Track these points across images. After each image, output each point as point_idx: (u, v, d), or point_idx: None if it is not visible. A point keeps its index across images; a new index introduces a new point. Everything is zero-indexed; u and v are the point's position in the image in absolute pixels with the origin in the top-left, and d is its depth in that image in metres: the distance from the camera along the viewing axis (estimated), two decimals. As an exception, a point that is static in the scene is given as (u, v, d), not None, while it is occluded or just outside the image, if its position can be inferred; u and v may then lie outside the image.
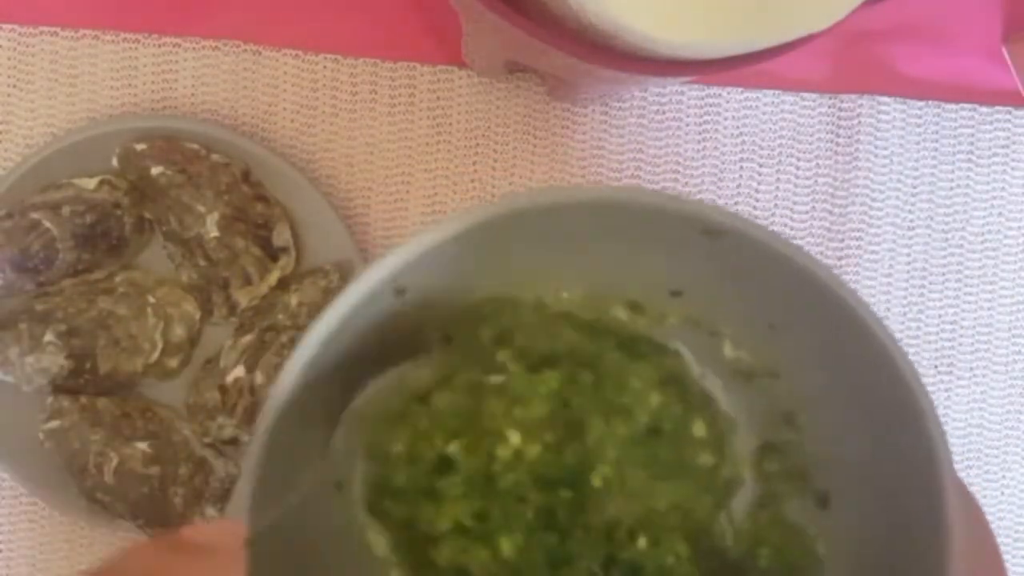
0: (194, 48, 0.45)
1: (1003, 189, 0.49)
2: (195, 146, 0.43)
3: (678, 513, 0.32)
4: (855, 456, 0.28)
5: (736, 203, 0.48)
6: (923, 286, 0.49)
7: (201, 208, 0.43)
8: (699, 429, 0.32)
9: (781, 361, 0.30)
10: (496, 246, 0.28)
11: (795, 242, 0.25)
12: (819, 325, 0.27)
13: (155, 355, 0.44)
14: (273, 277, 0.44)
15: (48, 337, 0.42)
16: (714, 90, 0.47)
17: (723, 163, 0.48)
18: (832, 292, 0.25)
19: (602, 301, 0.32)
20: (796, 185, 0.48)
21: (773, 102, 0.48)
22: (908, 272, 0.49)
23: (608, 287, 0.32)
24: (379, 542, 0.33)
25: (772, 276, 0.26)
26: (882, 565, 0.27)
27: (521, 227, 0.27)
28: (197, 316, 0.44)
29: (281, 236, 0.44)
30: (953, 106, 0.48)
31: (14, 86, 0.45)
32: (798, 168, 0.48)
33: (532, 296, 0.32)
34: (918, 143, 0.48)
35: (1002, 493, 0.49)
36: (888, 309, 0.48)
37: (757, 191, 0.48)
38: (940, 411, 0.48)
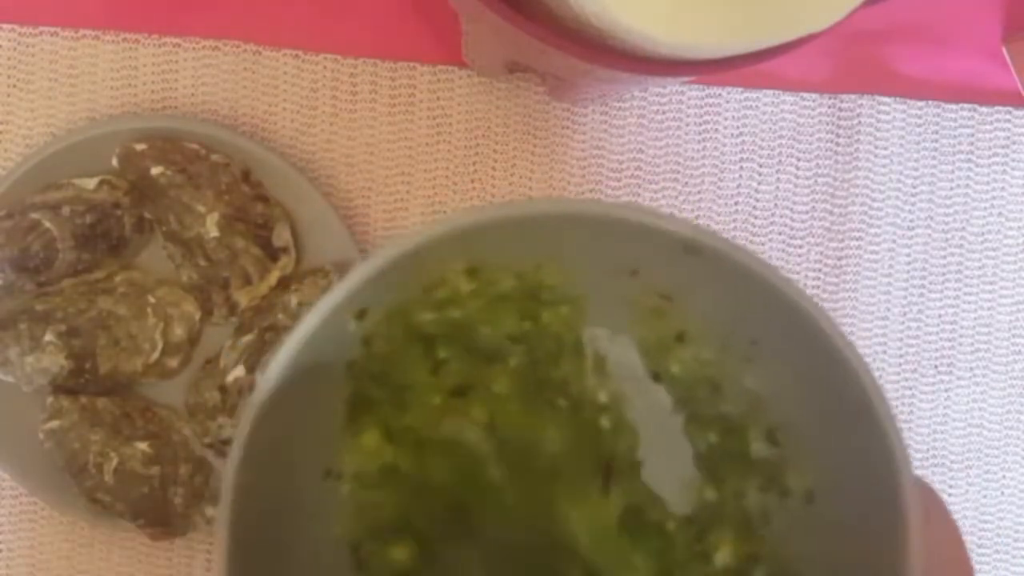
0: (194, 48, 0.45)
1: (1003, 189, 0.49)
2: (195, 146, 0.43)
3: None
4: (825, 460, 0.29)
5: (736, 203, 0.48)
6: (923, 286, 0.49)
7: (201, 208, 0.43)
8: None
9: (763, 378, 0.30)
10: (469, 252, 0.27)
11: (758, 254, 0.26)
12: (789, 339, 0.27)
13: (155, 355, 0.44)
14: (273, 277, 0.44)
15: (48, 337, 0.42)
16: (714, 90, 0.47)
17: (723, 163, 0.48)
18: (786, 296, 0.25)
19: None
20: (796, 185, 0.48)
21: (773, 102, 0.48)
22: (908, 272, 0.49)
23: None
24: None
25: (747, 292, 0.26)
26: (848, 562, 0.28)
27: (494, 235, 0.26)
28: (197, 316, 0.44)
29: (281, 236, 0.44)
30: (953, 106, 0.48)
31: (14, 86, 0.45)
32: (798, 168, 0.48)
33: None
34: (918, 143, 0.48)
35: (1002, 493, 0.49)
36: (888, 309, 0.48)
37: (757, 191, 0.48)
38: (940, 411, 0.49)
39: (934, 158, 0.49)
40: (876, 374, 0.26)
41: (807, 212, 0.48)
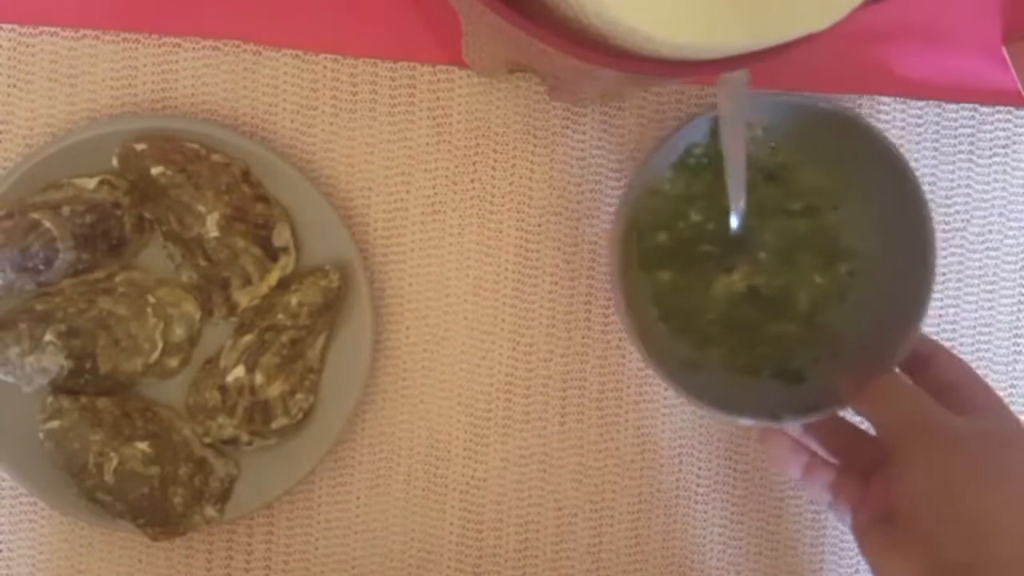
0: (194, 48, 0.45)
1: (1003, 189, 0.49)
2: (195, 146, 0.43)
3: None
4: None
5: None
6: (923, 286, 0.49)
7: (201, 208, 0.43)
8: None
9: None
10: None
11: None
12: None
13: (155, 355, 0.44)
14: (273, 277, 0.44)
15: (48, 337, 0.42)
16: (714, 90, 0.47)
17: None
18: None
19: None
20: (796, 185, 0.48)
21: (773, 102, 0.47)
22: (908, 272, 0.48)
23: None
24: None
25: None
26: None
27: None
28: (197, 316, 0.44)
29: (281, 236, 0.44)
30: (953, 106, 0.48)
31: (14, 86, 0.45)
32: (798, 168, 0.48)
33: None
34: (918, 143, 0.48)
35: (1002, 493, 0.49)
36: (888, 309, 0.48)
37: (757, 191, 0.48)
38: (940, 411, 0.48)
39: (934, 158, 0.49)
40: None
41: (807, 212, 0.48)
